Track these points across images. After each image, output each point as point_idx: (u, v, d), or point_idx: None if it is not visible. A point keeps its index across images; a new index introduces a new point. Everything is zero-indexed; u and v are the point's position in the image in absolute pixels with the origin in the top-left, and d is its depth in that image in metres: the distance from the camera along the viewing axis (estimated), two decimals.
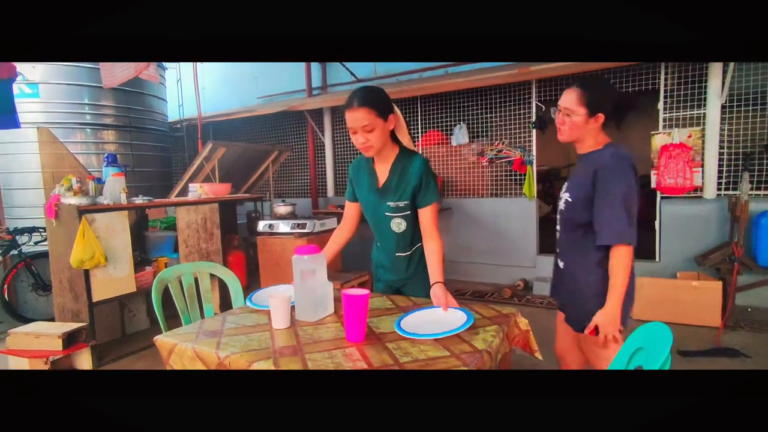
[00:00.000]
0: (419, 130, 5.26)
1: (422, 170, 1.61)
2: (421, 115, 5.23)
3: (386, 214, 1.66)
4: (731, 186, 3.69)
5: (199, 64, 5.95)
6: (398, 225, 1.66)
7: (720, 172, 3.70)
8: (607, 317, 1.44)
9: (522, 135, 4.58)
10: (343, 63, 5.80)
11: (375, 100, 1.52)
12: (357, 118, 1.51)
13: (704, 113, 3.69)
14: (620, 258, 1.44)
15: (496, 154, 4.70)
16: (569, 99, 1.53)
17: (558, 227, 1.69)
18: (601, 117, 1.51)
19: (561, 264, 1.67)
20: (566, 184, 1.65)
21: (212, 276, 2.09)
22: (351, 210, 1.82)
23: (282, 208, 4.43)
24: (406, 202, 1.63)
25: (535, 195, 4.52)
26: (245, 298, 1.74)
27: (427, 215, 1.63)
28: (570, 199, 1.58)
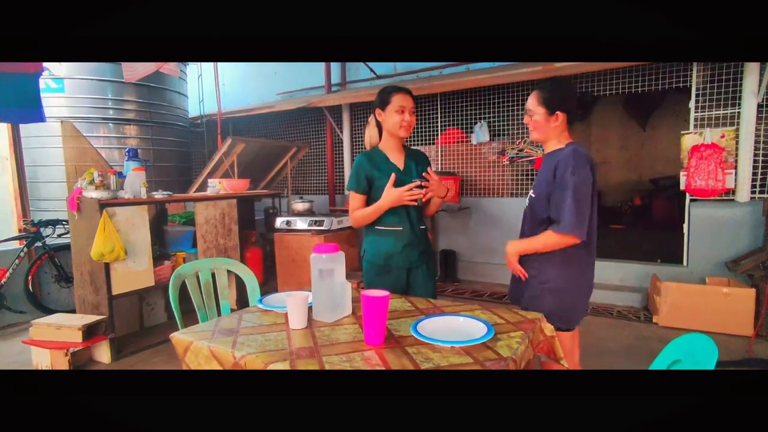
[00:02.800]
0: (438, 128, 5.19)
1: (428, 159, 2.03)
2: (441, 113, 5.16)
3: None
4: (767, 189, 3.52)
5: None
6: (419, 199, 1.89)
7: (754, 174, 3.53)
8: (511, 247, 1.67)
9: None
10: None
11: None
12: (409, 99, 1.85)
13: (739, 112, 3.53)
14: (549, 238, 1.56)
15: (517, 153, 4.60)
16: (531, 100, 1.65)
17: (523, 224, 1.77)
18: (560, 115, 1.60)
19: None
20: (534, 182, 1.75)
21: (229, 272, 2.08)
22: (361, 202, 1.91)
23: (299, 205, 4.43)
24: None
25: None
26: (261, 296, 1.73)
27: None
28: (533, 195, 1.67)
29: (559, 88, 1.61)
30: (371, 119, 1.94)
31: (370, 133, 1.96)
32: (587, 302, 1.72)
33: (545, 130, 1.64)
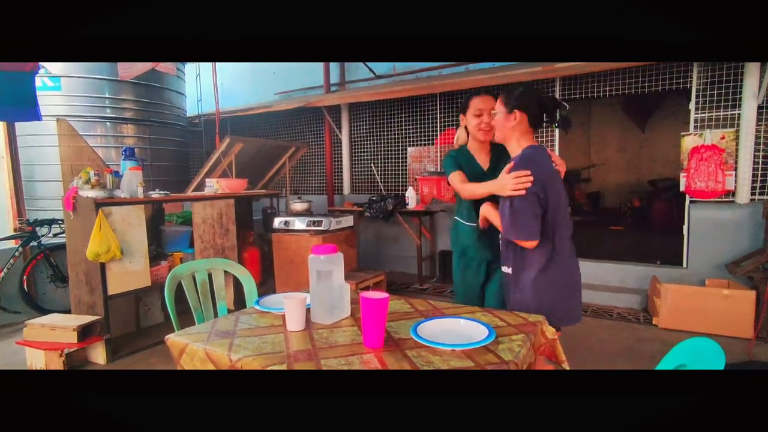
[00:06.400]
0: (438, 128, 5.17)
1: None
2: (440, 113, 5.14)
3: None
4: (766, 191, 3.51)
5: None
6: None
7: (754, 175, 3.53)
8: (485, 208, 1.76)
9: (544, 134, 4.45)
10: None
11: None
12: (487, 100, 1.88)
13: (739, 114, 3.53)
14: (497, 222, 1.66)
15: None
16: (497, 101, 1.70)
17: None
18: (517, 113, 1.62)
19: (508, 270, 1.71)
20: None
21: (226, 273, 2.05)
22: (464, 176, 1.92)
23: (298, 205, 4.39)
24: None
25: None
26: (259, 297, 1.70)
27: None
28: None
29: (519, 90, 1.66)
30: (461, 119, 2.04)
31: (459, 134, 2.05)
32: (561, 307, 1.65)
33: (503, 129, 1.67)
